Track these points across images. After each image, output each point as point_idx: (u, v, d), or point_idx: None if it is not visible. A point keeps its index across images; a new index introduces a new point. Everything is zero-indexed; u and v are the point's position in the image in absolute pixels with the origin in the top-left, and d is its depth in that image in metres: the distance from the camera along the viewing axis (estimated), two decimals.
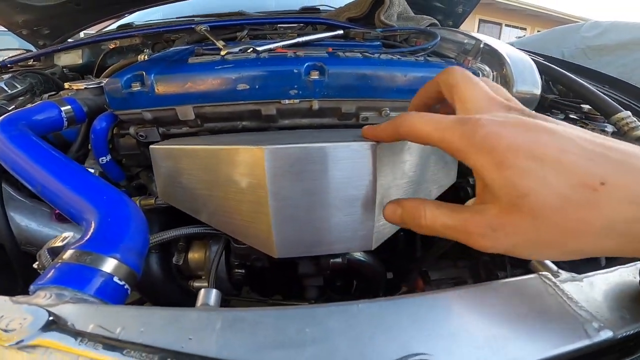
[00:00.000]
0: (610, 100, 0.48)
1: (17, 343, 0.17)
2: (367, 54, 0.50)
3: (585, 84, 0.53)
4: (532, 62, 0.50)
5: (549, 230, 0.18)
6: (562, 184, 0.18)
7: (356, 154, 0.30)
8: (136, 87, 0.44)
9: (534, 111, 0.23)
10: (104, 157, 0.50)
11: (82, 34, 1.34)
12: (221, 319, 0.20)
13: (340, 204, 0.32)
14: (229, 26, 0.81)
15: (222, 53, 0.53)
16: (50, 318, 0.18)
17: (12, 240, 0.45)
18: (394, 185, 0.34)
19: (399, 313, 0.21)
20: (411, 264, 0.59)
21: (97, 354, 0.17)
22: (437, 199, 0.43)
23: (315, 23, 0.82)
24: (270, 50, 0.55)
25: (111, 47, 1.15)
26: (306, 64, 0.45)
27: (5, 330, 0.17)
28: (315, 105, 0.46)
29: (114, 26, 1.32)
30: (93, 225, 0.28)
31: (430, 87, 0.28)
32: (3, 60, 0.86)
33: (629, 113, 0.45)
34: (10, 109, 0.59)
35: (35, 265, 0.28)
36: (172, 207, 0.44)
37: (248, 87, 0.45)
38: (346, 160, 0.31)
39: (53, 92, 0.67)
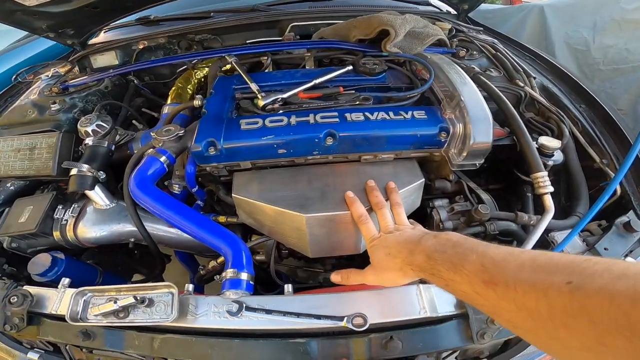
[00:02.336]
0: (538, 156, 0.70)
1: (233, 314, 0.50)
2: (367, 114, 0.72)
3: (527, 134, 0.74)
4: (489, 115, 0.70)
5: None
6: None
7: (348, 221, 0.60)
8: (212, 151, 0.70)
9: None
10: (194, 188, 0.79)
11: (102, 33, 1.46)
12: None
13: (342, 237, 0.62)
14: (253, 53, 0.98)
15: (260, 104, 0.77)
16: (244, 305, 0.51)
17: (152, 242, 0.78)
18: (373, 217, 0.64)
19: (366, 298, 0.52)
20: None
21: (270, 317, 0.51)
22: (408, 216, 0.70)
23: (330, 48, 0.97)
24: (294, 94, 0.78)
25: (140, 47, 1.33)
26: (324, 132, 0.69)
27: (230, 312, 0.51)
28: (330, 158, 0.72)
29: (132, 18, 1.43)
30: (230, 257, 0.61)
31: None
32: (65, 83, 1.07)
33: (545, 173, 0.68)
34: (105, 145, 0.86)
35: (202, 272, 0.64)
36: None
37: (285, 151, 0.70)
38: (345, 223, 0.60)
39: (131, 134, 0.92)
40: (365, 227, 0.61)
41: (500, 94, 0.82)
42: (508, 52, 1.09)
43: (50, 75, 1.20)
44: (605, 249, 0.68)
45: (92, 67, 1.32)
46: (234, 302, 0.58)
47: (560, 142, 0.81)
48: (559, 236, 0.69)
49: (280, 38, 1.21)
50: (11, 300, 0.63)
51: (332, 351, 0.57)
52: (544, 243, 0.70)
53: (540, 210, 0.71)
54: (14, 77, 1.16)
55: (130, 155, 0.90)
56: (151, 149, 0.75)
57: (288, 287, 0.63)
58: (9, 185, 0.93)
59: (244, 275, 0.60)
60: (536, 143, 0.78)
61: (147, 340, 0.58)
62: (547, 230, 0.70)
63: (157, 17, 1.46)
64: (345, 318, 0.56)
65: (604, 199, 0.67)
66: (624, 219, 0.72)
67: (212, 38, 1.27)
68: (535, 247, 0.67)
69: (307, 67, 0.98)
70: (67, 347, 0.64)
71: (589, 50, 1.83)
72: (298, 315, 0.57)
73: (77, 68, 1.20)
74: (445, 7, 1.47)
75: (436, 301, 0.59)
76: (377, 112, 0.73)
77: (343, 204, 0.66)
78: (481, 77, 0.87)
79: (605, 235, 0.70)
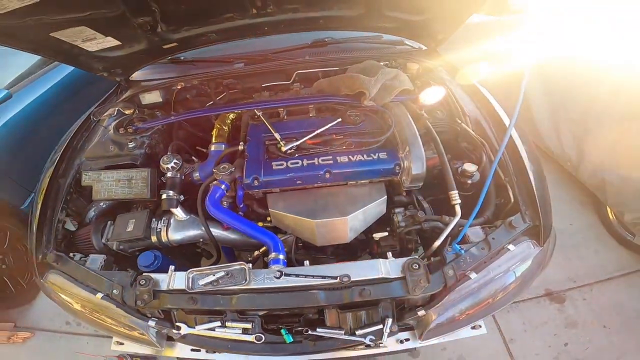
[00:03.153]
0: (452, 180, 1.16)
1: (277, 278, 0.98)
2: (350, 157, 1.17)
3: (447, 164, 1.18)
4: (424, 157, 1.15)
5: None
6: None
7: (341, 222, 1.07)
8: (256, 183, 1.16)
9: None
10: (241, 204, 1.25)
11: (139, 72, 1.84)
12: None
13: (336, 233, 1.09)
14: (273, 107, 1.40)
15: (283, 150, 1.22)
16: (283, 272, 1.02)
17: (215, 241, 1.25)
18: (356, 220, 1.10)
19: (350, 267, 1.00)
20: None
21: (297, 279, 1.00)
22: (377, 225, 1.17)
23: (328, 102, 1.39)
24: (304, 142, 1.23)
25: (179, 87, 1.73)
26: (324, 170, 1.15)
27: (275, 277, 1.00)
28: (328, 184, 1.19)
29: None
30: (271, 246, 1.08)
31: None
32: (135, 124, 1.49)
33: (455, 192, 1.13)
34: (178, 176, 1.30)
35: (249, 258, 1.13)
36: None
37: (301, 182, 1.16)
38: (338, 224, 1.07)
39: (191, 167, 1.36)
40: None
41: (436, 136, 1.26)
42: (454, 93, 1.52)
43: (115, 114, 1.61)
44: (492, 238, 1.10)
45: (141, 104, 1.72)
46: (277, 271, 1.02)
47: (477, 166, 1.27)
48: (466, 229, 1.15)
49: (288, 82, 1.64)
50: (140, 282, 1.04)
51: (331, 296, 1.01)
52: (456, 233, 1.13)
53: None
54: (91, 116, 1.57)
55: (191, 181, 1.35)
56: (215, 181, 1.20)
57: (306, 263, 1.09)
58: (101, 204, 1.37)
59: (281, 256, 1.07)
60: (462, 166, 1.25)
61: (227, 299, 1.02)
62: (459, 225, 1.13)
63: (187, 58, 1.85)
64: (338, 277, 0.99)
65: (481, 198, 1.11)
66: (510, 219, 1.14)
67: (236, 82, 1.68)
68: (449, 235, 1.10)
69: (311, 114, 1.41)
70: (174, 312, 1.06)
71: None
72: (313, 276, 1.01)
73: (137, 110, 1.60)
74: (417, 45, 1.88)
75: (389, 269, 1.03)
76: (356, 155, 1.19)
77: (335, 213, 1.13)
78: (427, 122, 1.32)
79: (496, 230, 1.13)
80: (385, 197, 1.20)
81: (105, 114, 1.60)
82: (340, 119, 1.32)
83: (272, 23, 1.52)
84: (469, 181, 1.26)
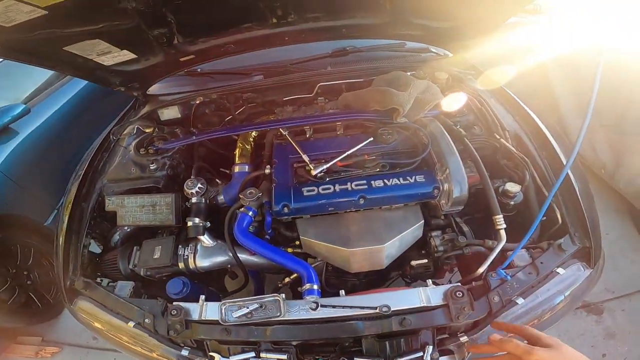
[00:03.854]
0: (496, 203, 1.09)
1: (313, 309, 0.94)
2: (385, 181, 1.11)
3: (490, 186, 1.11)
4: (465, 179, 1.09)
5: None
6: None
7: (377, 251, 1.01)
8: (286, 210, 1.11)
9: None
10: (270, 231, 1.20)
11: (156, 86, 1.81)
12: None
13: (371, 261, 1.04)
14: (299, 125, 1.35)
15: (312, 173, 1.16)
16: (319, 303, 0.97)
17: (243, 266, 1.21)
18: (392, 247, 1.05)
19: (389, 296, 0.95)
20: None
21: (334, 310, 0.96)
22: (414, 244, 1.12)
23: (359, 118, 1.33)
24: (334, 164, 1.17)
25: (197, 102, 1.70)
26: (358, 196, 1.09)
27: (311, 308, 0.95)
28: (361, 209, 1.13)
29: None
30: (305, 276, 1.04)
31: None
32: (156, 145, 1.46)
33: (500, 216, 1.06)
34: (203, 201, 1.27)
35: (280, 285, 1.09)
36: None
37: (333, 208, 1.11)
38: (373, 252, 1.01)
39: (216, 190, 1.32)
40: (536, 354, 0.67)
41: (475, 154, 1.19)
42: (490, 106, 1.44)
43: (134, 132, 1.58)
44: (541, 262, 1.05)
45: (160, 120, 1.70)
46: (313, 302, 0.98)
47: (521, 186, 1.20)
48: (509, 253, 1.07)
49: (310, 95, 1.58)
50: (172, 313, 1.02)
51: (370, 327, 0.96)
52: (504, 258, 1.07)
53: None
54: (110, 136, 1.55)
55: (216, 205, 1.32)
56: (242, 208, 1.16)
57: (342, 292, 1.04)
58: (126, 228, 1.36)
59: (315, 287, 1.03)
60: (503, 186, 1.18)
61: (262, 330, 0.99)
62: (505, 250, 1.08)
63: (204, 70, 1.81)
64: (377, 307, 0.95)
65: (535, 224, 1.04)
66: (559, 241, 1.09)
67: (255, 96, 1.63)
68: (494, 260, 1.05)
69: (339, 132, 1.35)
70: (207, 342, 1.04)
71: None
72: (350, 307, 0.97)
73: (157, 128, 1.57)
74: (443, 52, 1.79)
75: (430, 297, 0.98)
76: (392, 179, 1.12)
77: (371, 241, 1.08)
78: (465, 139, 1.24)
79: (544, 253, 1.08)
80: (423, 221, 1.14)
81: (124, 133, 1.58)
82: (372, 138, 1.25)
83: (292, 32, 1.46)
84: (511, 202, 1.19)
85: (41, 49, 1.13)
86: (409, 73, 1.57)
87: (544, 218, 1.18)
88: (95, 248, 1.38)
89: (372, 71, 1.59)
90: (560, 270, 1.03)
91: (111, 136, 1.56)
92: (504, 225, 1.08)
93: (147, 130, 1.54)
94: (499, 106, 1.50)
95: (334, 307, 0.98)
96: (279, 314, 0.96)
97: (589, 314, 1.98)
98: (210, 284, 1.51)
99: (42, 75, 2.46)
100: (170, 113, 1.71)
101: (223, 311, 0.98)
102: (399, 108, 1.24)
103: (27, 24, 0.93)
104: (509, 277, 1.00)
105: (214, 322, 0.99)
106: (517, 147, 1.33)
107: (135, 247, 1.29)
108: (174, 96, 1.73)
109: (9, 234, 1.86)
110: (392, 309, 0.95)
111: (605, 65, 1.01)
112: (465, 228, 1.18)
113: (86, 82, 2.52)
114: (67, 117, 2.38)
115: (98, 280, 1.23)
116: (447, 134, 1.22)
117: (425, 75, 1.60)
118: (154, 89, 1.82)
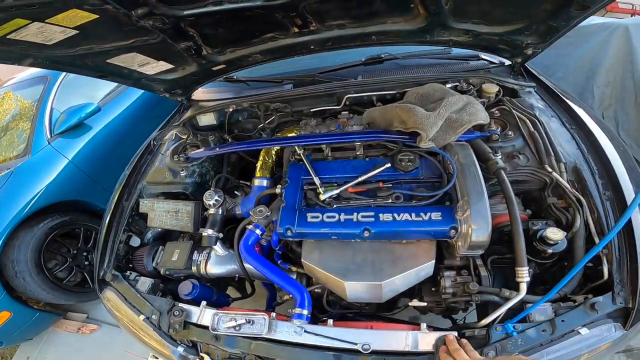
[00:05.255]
0: (524, 253, 0.93)
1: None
2: (395, 215, 1.04)
3: (520, 234, 0.96)
4: (489, 223, 0.95)
5: None
6: None
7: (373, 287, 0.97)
8: (289, 233, 1.12)
9: None
10: (277, 247, 1.23)
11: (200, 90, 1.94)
12: None
13: (369, 294, 1.00)
14: (314, 143, 1.32)
15: (321, 198, 1.14)
16: (304, 329, 1.00)
17: (249, 277, 1.27)
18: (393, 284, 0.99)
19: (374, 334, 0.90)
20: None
21: (317, 337, 0.96)
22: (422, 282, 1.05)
23: (377, 140, 1.25)
24: (345, 190, 1.14)
25: (231, 109, 1.78)
26: (362, 228, 1.04)
27: (296, 332, 0.98)
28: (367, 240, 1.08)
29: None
30: (298, 299, 1.05)
31: None
32: (187, 153, 1.59)
33: (525, 268, 0.91)
34: (220, 213, 1.35)
35: (279, 300, 1.15)
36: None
37: (335, 237, 1.08)
38: (370, 287, 0.97)
39: (233, 201, 1.39)
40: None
41: (511, 193, 1.03)
42: (547, 129, 1.23)
43: (173, 138, 1.74)
44: (562, 321, 0.91)
45: (198, 126, 1.83)
46: (299, 327, 1.00)
47: (565, 233, 1.02)
48: (529, 306, 0.95)
49: (338, 107, 1.54)
50: (175, 313, 1.14)
51: None
52: (519, 308, 0.96)
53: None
54: (152, 142, 1.73)
55: (234, 215, 1.39)
56: (250, 225, 1.20)
57: (330, 322, 1.03)
58: (157, 228, 1.51)
59: (305, 312, 1.03)
60: (544, 231, 1.02)
61: (247, 343, 1.04)
62: (524, 302, 0.96)
63: (239, 77, 1.89)
64: (358, 344, 0.95)
65: (563, 283, 0.91)
66: (596, 299, 0.93)
67: (284, 106, 1.65)
68: (509, 310, 0.95)
69: (358, 152, 1.29)
70: (200, 344, 1.13)
71: None
72: (333, 339, 0.97)
73: (191, 134, 1.70)
74: (497, 59, 1.58)
75: (419, 342, 0.93)
76: (403, 213, 1.05)
77: (369, 276, 1.04)
78: (502, 173, 1.08)
79: (571, 311, 0.93)
80: (433, 261, 1.05)
81: (165, 139, 1.74)
82: (389, 164, 1.18)
83: (318, 41, 1.43)
84: (549, 250, 1.02)
85: (88, 62, 1.29)
86: (449, 85, 1.43)
87: (589, 266, 1.01)
88: (137, 241, 1.57)
89: (407, 82, 1.48)
90: (583, 330, 0.91)
91: (153, 143, 1.73)
92: (527, 279, 0.94)
93: (184, 137, 1.68)
94: (562, 129, 1.28)
95: (316, 335, 1.00)
96: (262, 331, 1.02)
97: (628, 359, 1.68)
98: (226, 286, 1.62)
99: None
100: (207, 119, 1.83)
101: (215, 320, 1.07)
102: (422, 133, 1.14)
103: (66, 42, 1.07)
104: (515, 333, 0.92)
105: (207, 328, 1.09)
106: (574, 183, 1.13)
107: (160, 247, 1.43)
108: (213, 102, 1.84)
109: (76, 217, 2.21)
110: (372, 348, 0.94)
111: None
112: (484, 273, 1.05)
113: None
114: (133, 116, 2.70)
115: (128, 273, 1.40)
116: (478, 165, 1.08)
117: (469, 88, 1.43)
118: (197, 95, 1.96)
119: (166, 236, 1.54)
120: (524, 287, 0.94)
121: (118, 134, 2.57)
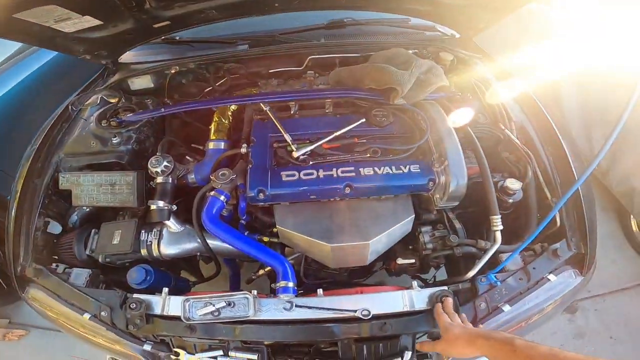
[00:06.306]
0: (496, 202, 0.99)
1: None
2: (375, 169, 1.01)
3: (490, 181, 1.02)
4: (465, 173, 0.99)
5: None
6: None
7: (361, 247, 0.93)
8: (261, 196, 1.00)
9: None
10: (244, 216, 1.10)
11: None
12: None
13: (354, 257, 0.95)
14: (283, 100, 1.22)
15: (294, 156, 1.05)
16: (294, 303, 0.91)
17: (214, 255, 1.11)
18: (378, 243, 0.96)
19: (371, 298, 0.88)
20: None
21: (310, 311, 0.90)
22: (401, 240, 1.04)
23: (347, 97, 1.21)
24: (319, 146, 1.07)
25: (173, 71, 1.55)
26: (343, 184, 0.99)
27: (285, 309, 0.89)
28: (347, 198, 1.03)
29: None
30: (280, 272, 0.95)
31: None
32: (119, 117, 1.33)
33: (498, 217, 0.97)
34: (170, 181, 1.15)
35: (253, 277, 1.03)
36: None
37: (315, 196, 1.01)
38: (356, 249, 0.92)
39: (186, 168, 1.20)
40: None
41: (477, 144, 1.09)
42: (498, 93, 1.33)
43: (98, 103, 1.44)
44: (533, 268, 1.00)
45: (130, 90, 1.55)
46: (287, 302, 0.91)
47: (521, 183, 1.11)
48: (504, 256, 1.02)
49: (300, 68, 1.45)
50: (131, 306, 0.94)
51: (347, 331, 0.90)
52: (495, 260, 1.01)
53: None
54: (70, 106, 1.40)
55: (186, 184, 1.21)
56: (212, 191, 1.05)
57: (320, 291, 0.96)
58: (85, 208, 1.24)
59: (291, 284, 0.95)
60: (503, 182, 1.09)
61: (230, 329, 0.91)
62: (498, 252, 1.01)
63: (182, 38, 1.66)
64: (357, 310, 0.90)
65: (537, 232, 0.98)
66: (555, 246, 1.03)
67: (238, 67, 1.49)
68: (487, 263, 0.99)
69: (327, 110, 1.23)
70: (171, 338, 0.96)
71: None
72: (328, 309, 0.90)
73: (123, 99, 1.43)
74: (450, 32, 1.67)
75: (414, 300, 0.93)
76: (383, 167, 1.02)
77: (356, 236, 0.99)
78: (468, 128, 1.14)
79: (538, 258, 1.02)
80: (413, 216, 1.05)
81: (87, 103, 1.44)
82: (364, 119, 1.14)
83: None
84: (510, 200, 1.10)
85: None
86: (410, 51, 1.46)
87: (539, 215, 1.12)
88: (57, 228, 1.26)
89: (371, 47, 1.46)
90: (551, 277, 0.99)
91: (71, 107, 1.41)
92: (501, 227, 1.00)
93: (112, 101, 1.41)
94: (507, 95, 1.40)
95: (309, 307, 0.91)
96: (248, 313, 0.89)
97: (563, 312, 1.97)
98: (179, 270, 1.42)
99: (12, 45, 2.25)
100: (142, 82, 1.56)
101: (186, 307, 0.91)
102: (398, 88, 1.13)
103: None
104: (498, 283, 0.97)
105: (177, 318, 0.92)
106: (522, 140, 1.25)
107: (93, 230, 1.18)
108: (149, 65, 1.58)
109: None
110: (372, 313, 0.90)
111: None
112: (458, 225, 1.10)
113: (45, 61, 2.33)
114: (35, 87, 2.18)
115: (54, 266, 1.12)
116: (448, 120, 1.12)
117: (428, 55, 1.49)
118: (126, 58, 1.66)
119: (97, 217, 1.27)
120: (499, 236, 0.99)
121: (18, 109, 2.07)
